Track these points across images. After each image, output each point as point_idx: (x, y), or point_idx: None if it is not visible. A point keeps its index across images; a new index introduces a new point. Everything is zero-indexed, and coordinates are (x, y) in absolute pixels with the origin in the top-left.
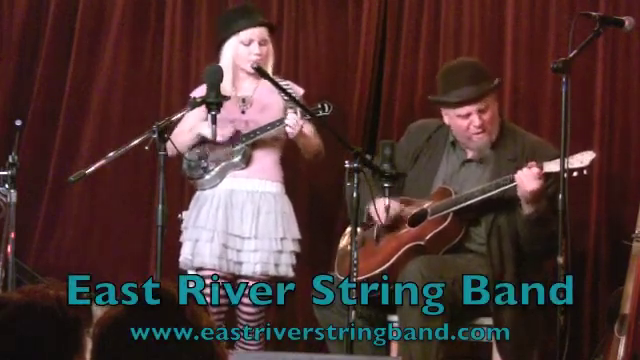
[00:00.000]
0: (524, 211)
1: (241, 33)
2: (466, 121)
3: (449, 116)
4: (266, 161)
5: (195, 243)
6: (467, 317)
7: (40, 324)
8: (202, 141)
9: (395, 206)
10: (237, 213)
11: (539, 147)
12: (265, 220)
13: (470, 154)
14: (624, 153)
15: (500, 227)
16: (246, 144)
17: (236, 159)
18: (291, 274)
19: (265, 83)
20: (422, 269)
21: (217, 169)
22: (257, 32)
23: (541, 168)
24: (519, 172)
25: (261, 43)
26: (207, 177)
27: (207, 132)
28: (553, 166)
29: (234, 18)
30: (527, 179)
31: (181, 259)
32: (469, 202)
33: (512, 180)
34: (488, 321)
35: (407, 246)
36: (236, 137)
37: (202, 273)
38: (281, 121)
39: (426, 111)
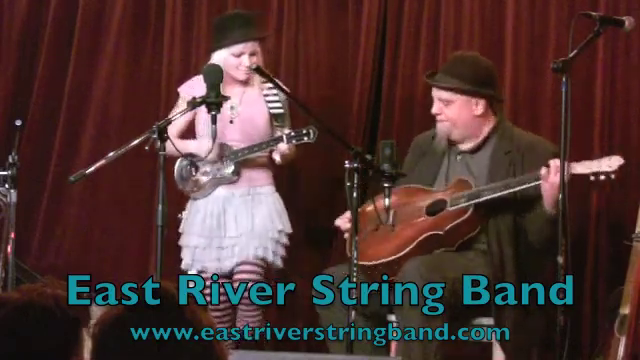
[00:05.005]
0: (550, 211)
1: (232, 47)
2: (433, 106)
3: None
4: (256, 169)
5: (194, 250)
6: (467, 317)
7: (38, 324)
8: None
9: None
10: (231, 217)
11: (537, 144)
12: (261, 216)
13: (462, 146)
14: (624, 153)
15: (500, 228)
16: (235, 162)
17: (227, 174)
18: (281, 265)
19: (250, 93)
20: (422, 269)
21: (208, 183)
22: (249, 45)
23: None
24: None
25: (251, 54)
26: (200, 191)
27: (198, 151)
28: (580, 168)
29: (228, 28)
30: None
31: (183, 265)
32: (491, 196)
33: (538, 178)
34: (488, 321)
35: (425, 234)
36: (224, 151)
37: (203, 275)
38: (268, 144)
39: (426, 111)
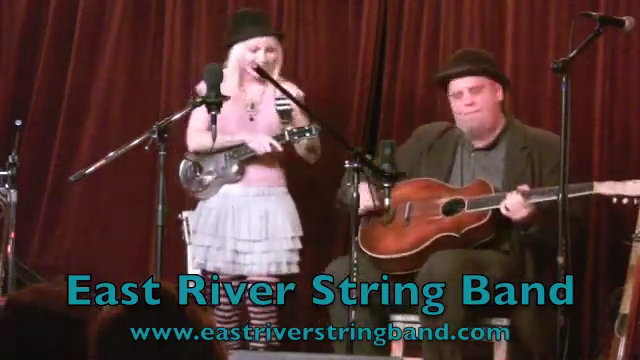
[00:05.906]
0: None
1: (248, 40)
2: (460, 101)
3: (451, 101)
4: (269, 169)
5: (207, 249)
6: (471, 317)
7: (39, 324)
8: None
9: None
10: (244, 218)
11: (550, 138)
12: (273, 221)
13: (476, 143)
14: (624, 153)
15: (521, 234)
16: (238, 161)
17: (231, 173)
18: (297, 271)
19: (269, 92)
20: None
21: (213, 183)
22: (264, 40)
23: (527, 195)
24: (508, 198)
25: (268, 50)
26: (205, 191)
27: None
28: (604, 188)
29: (244, 24)
30: (515, 207)
31: (195, 264)
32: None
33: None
34: (486, 321)
35: (441, 234)
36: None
37: (215, 275)
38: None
39: (426, 111)
